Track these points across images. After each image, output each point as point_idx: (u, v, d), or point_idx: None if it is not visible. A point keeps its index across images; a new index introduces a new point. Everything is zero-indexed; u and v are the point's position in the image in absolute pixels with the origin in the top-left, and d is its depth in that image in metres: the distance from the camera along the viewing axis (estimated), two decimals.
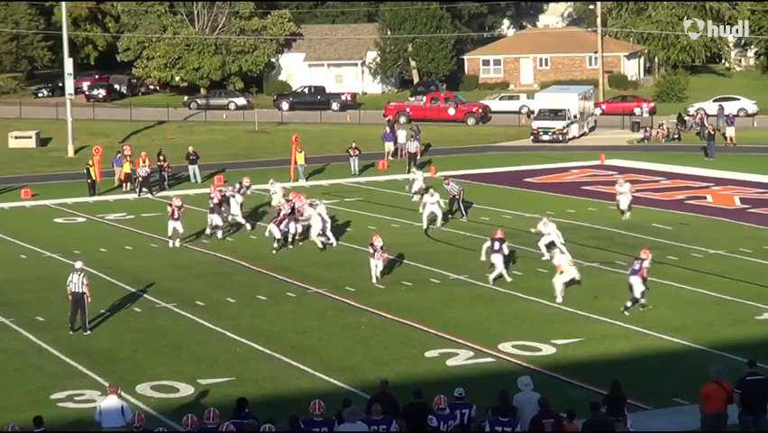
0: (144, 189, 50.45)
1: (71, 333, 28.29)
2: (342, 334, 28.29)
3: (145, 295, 32.27)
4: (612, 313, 29.45)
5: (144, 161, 50.96)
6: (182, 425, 19.10)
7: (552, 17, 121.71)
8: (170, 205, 39.61)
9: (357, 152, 56.10)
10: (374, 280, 33.11)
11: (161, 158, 52.17)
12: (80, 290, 28.37)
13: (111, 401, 20.27)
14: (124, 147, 55.08)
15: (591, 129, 73.14)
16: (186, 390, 24.13)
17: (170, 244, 39.05)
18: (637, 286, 29.66)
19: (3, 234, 41.96)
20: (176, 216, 38.78)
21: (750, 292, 31.19)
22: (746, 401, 20.00)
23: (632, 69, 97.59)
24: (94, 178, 50.60)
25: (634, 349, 26.67)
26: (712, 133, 61.50)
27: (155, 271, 35.40)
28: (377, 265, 33.28)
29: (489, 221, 42.77)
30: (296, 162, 53.02)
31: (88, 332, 28.40)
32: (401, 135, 61.61)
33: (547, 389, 21.30)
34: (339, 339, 27.87)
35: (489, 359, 25.96)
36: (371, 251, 33.31)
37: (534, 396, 19.68)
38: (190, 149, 55.16)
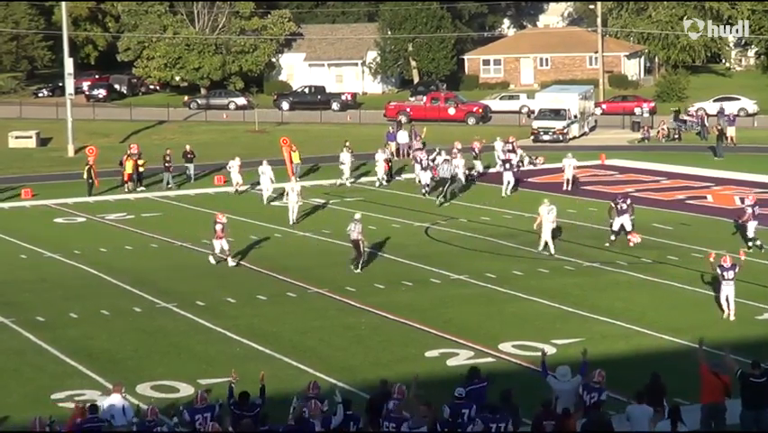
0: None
1: None
2: (342, 334, 28.29)
3: (145, 295, 32.25)
4: (612, 313, 29.44)
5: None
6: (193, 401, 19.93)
7: (552, 17, 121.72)
8: (218, 222, 35.81)
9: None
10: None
11: (139, 155, 52.73)
12: None
13: (113, 400, 20.33)
14: (131, 146, 54.83)
15: (592, 129, 73.08)
16: (186, 390, 24.11)
17: (212, 261, 35.87)
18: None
19: (3, 234, 41.94)
20: (221, 236, 35.56)
21: (750, 292, 31.12)
22: (748, 402, 20.07)
23: (632, 68, 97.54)
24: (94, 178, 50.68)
25: (634, 349, 26.65)
26: (718, 132, 61.42)
27: (155, 271, 35.37)
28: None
29: (489, 221, 42.79)
30: (292, 162, 52.86)
31: None
32: (402, 136, 61.60)
33: (547, 389, 21.27)
34: (339, 339, 27.86)
35: (490, 359, 25.92)
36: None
37: (575, 382, 20.25)
38: (187, 147, 55.25)
